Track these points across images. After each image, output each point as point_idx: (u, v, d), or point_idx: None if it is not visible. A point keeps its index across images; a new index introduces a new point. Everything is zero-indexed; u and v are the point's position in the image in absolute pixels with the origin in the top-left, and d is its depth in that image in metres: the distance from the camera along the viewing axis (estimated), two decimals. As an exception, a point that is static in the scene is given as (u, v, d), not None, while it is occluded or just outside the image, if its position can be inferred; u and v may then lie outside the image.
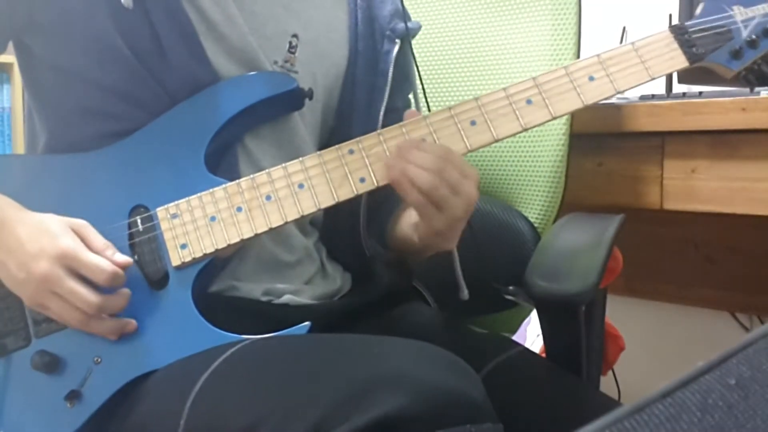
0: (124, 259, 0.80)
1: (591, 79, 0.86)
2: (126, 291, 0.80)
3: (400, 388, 0.62)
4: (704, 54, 0.88)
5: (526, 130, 0.85)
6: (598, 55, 0.87)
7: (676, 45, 0.87)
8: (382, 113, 0.96)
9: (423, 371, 0.65)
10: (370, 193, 0.88)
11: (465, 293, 0.99)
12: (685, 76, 1.28)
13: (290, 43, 0.90)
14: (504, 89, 0.86)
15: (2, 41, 0.90)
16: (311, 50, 0.94)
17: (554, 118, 0.86)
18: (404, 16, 1.01)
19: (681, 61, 0.87)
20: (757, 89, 1.11)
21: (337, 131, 0.97)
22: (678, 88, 1.35)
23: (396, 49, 0.99)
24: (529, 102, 0.85)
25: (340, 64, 0.98)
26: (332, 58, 0.97)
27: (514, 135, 0.85)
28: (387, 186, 0.84)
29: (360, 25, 0.99)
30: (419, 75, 1.03)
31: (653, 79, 0.87)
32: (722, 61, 0.89)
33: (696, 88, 1.27)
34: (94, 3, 0.83)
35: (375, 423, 0.59)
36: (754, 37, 0.88)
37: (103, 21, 0.83)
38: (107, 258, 0.79)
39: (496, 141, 0.85)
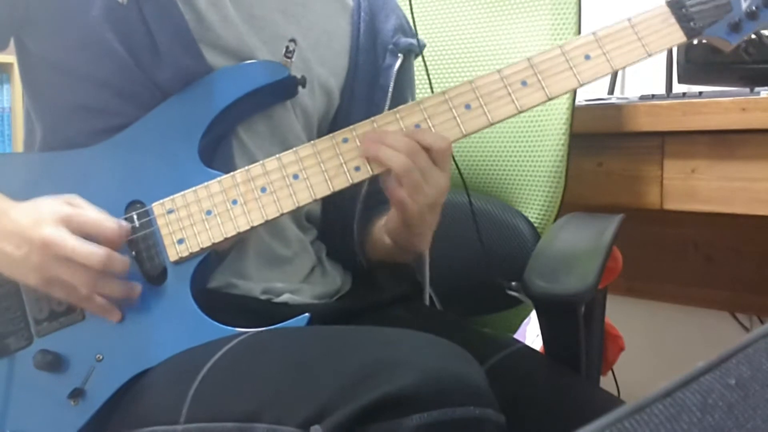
0: (125, 223, 0.81)
1: (587, 57, 0.84)
2: (126, 257, 0.80)
3: (406, 369, 0.62)
4: (702, 28, 0.86)
5: (521, 112, 0.84)
6: (594, 33, 0.85)
7: (673, 20, 0.85)
8: None
9: (428, 356, 0.66)
10: (364, 199, 0.88)
11: (426, 299, 1.00)
12: (685, 76, 1.28)
13: (287, 47, 0.90)
14: (498, 71, 0.84)
15: (3, 37, 0.90)
16: (309, 56, 0.94)
17: (550, 99, 0.84)
18: (412, 31, 1.01)
19: (679, 37, 0.85)
20: (757, 89, 1.11)
21: None
22: (678, 88, 1.35)
23: (398, 64, 0.98)
24: (524, 83, 0.84)
25: (338, 74, 0.98)
26: (331, 66, 0.97)
27: (510, 117, 0.84)
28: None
29: (362, 38, 0.99)
30: (431, 85, 1.02)
31: (650, 56, 0.85)
32: (721, 35, 0.87)
33: (696, 88, 1.27)
34: None
35: (380, 401, 0.60)
36: (753, 8, 0.86)
37: (97, 17, 0.83)
38: None
39: (492, 125, 0.84)
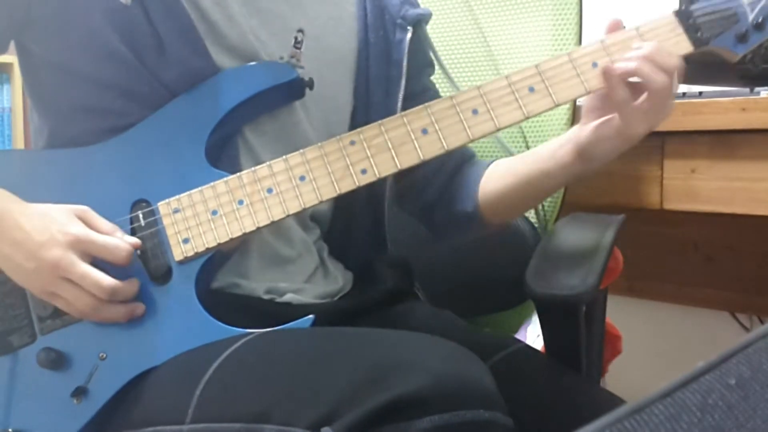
0: (134, 240, 0.81)
1: (594, 65, 0.84)
2: (135, 279, 0.80)
3: (417, 372, 0.62)
4: (709, 38, 0.86)
5: (528, 118, 0.84)
6: (601, 41, 0.85)
7: (681, 29, 0.86)
8: (399, 103, 0.96)
9: (437, 358, 0.66)
10: (396, 186, 0.87)
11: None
12: (685, 76, 1.28)
13: (296, 38, 0.90)
14: (506, 77, 0.84)
15: (4, 40, 0.90)
16: (317, 45, 0.94)
17: (557, 106, 0.84)
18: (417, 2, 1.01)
19: (686, 46, 0.86)
20: (757, 89, 1.11)
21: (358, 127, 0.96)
22: (678, 88, 1.35)
23: (408, 36, 0.98)
24: (531, 90, 0.84)
25: (347, 58, 0.97)
26: (339, 52, 0.97)
27: (516, 123, 0.85)
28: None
29: (370, 17, 0.98)
30: (441, 62, 1.02)
31: None
32: (728, 45, 0.87)
33: (696, 88, 1.27)
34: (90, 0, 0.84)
35: (390, 403, 0.60)
36: (760, 20, 0.86)
37: (100, 18, 0.83)
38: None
39: (499, 130, 0.84)
